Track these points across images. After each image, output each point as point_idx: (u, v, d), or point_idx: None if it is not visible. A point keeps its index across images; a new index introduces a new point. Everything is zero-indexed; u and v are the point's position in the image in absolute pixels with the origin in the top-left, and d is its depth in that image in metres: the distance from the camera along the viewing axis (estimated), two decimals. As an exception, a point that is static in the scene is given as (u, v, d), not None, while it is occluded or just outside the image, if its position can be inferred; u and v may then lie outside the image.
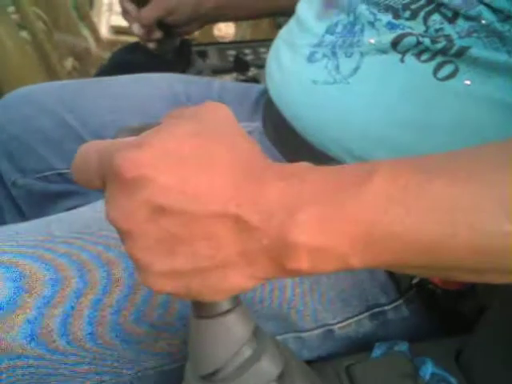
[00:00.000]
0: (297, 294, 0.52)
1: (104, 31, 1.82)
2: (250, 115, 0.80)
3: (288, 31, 0.68)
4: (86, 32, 1.72)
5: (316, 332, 0.54)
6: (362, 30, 0.55)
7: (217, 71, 1.24)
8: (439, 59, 0.49)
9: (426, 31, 0.50)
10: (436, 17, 0.49)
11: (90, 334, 0.46)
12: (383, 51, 0.53)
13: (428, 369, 0.47)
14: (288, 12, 0.72)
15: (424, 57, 0.50)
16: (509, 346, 0.46)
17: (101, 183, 0.31)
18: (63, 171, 0.80)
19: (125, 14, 0.96)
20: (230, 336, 0.35)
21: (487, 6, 0.47)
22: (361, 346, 0.54)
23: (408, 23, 0.51)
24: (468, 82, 0.48)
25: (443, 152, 0.42)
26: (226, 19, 1.24)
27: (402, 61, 0.51)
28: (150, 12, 0.92)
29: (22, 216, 0.84)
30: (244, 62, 1.27)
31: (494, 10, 0.46)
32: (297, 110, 0.61)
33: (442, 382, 0.47)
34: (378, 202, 0.27)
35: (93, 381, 0.48)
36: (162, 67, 0.92)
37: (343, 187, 0.28)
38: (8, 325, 0.44)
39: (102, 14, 1.84)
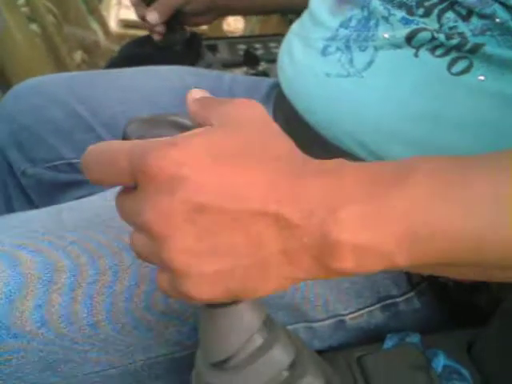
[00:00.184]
0: (308, 285, 0.52)
1: (113, 25, 1.82)
2: None
3: (301, 25, 0.68)
4: (95, 25, 1.72)
5: (327, 322, 0.54)
6: (376, 25, 0.55)
7: (227, 65, 1.23)
8: (453, 55, 0.49)
9: (439, 28, 0.49)
10: (450, 14, 0.49)
11: (102, 319, 0.46)
12: (397, 46, 0.52)
13: (440, 361, 0.47)
14: (300, 9, 0.72)
15: (438, 52, 0.50)
16: (522, 339, 0.45)
17: (131, 180, 0.30)
18: (73, 161, 0.80)
19: (137, 4, 0.96)
20: (242, 324, 0.35)
21: (502, 4, 0.46)
22: (372, 337, 0.54)
23: (422, 20, 0.51)
24: (482, 78, 0.48)
25: (457, 150, 0.42)
26: (239, 12, 1.25)
27: (416, 55, 0.51)
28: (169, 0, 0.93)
29: (31, 205, 0.85)
30: (254, 56, 1.26)
31: (509, 9, 0.46)
32: (310, 103, 0.61)
33: (454, 374, 0.46)
34: (420, 198, 0.27)
35: (103, 367, 0.48)
36: (171, 60, 0.92)
37: (384, 183, 0.28)
38: (19, 310, 0.44)
39: (111, 8, 1.84)
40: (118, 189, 0.34)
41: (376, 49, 0.54)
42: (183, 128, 0.33)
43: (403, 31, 0.52)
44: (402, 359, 0.48)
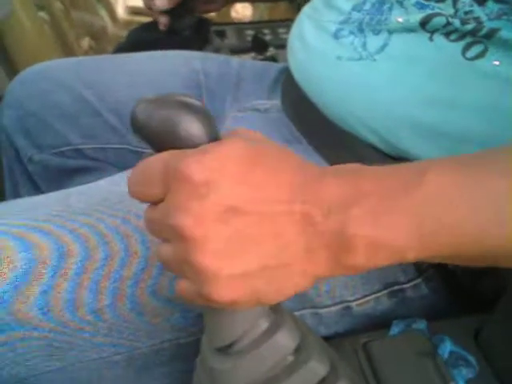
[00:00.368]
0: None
1: (121, 11, 1.81)
2: (268, 93, 0.80)
3: (312, 8, 0.67)
4: (103, 12, 1.71)
5: (334, 308, 0.53)
6: (390, 9, 0.54)
7: (235, 51, 1.22)
8: (468, 39, 0.48)
9: (455, 13, 0.49)
10: None
11: (108, 305, 0.46)
12: (411, 30, 0.52)
13: (447, 347, 0.46)
14: None
15: (453, 37, 0.49)
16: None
17: (161, 192, 0.32)
18: (80, 147, 0.80)
19: None
20: (247, 309, 0.35)
21: None
22: (378, 323, 0.54)
23: (437, 5, 0.50)
24: (497, 63, 0.47)
25: (470, 135, 0.46)
26: None
27: (430, 39, 0.50)
28: None
29: (38, 192, 0.84)
30: (263, 42, 1.25)
31: None
32: (321, 86, 0.60)
33: (461, 361, 0.46)
34: (430, 196, 0.29)
35: (108, 353, 0.48)
36: (179, 45, 0.91)
37: (396, 183, 0.30)
38: (25, 295, 0.44)
39: (118, -5, 1.83)
40: (127, 173, 0.35)
41: (390, 32, 0.53)
42: (191, 108, 0.33)
43: (417, 16, 0.51)
44: (409, 345, 0.48)
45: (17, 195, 0.86)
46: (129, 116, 0.34)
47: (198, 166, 0.30)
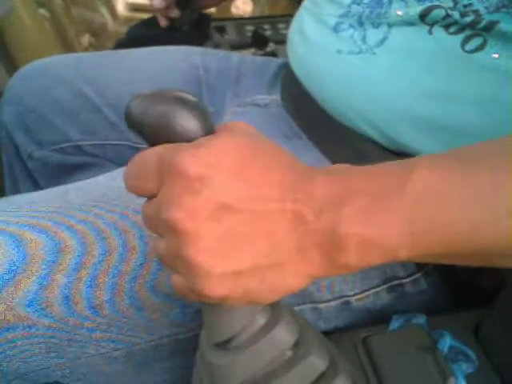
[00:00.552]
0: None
1: (121, 8, 1.81)
2: (268, 88, 0.80)
3: (312, 2, 0.67)
4: (103, 9, 1.71)
5: (333, 303, 0.53)
6: (390, 2, 0.54)
7: (235, 46, 1.22)
8: (467, 32, 0.48)
9: (454, 6, 0.48)
10: None
11: (106, 300, 0.46)
12: (411, 23, 0.51)
13: (446, 342, 0.46)
14: None
15: (452, 29, 0.49)
16: (529, 320, 0.45)
17: (156, 186, 0.32)
18: (79, 143, 0.80)
19: None
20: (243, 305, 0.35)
21: None
22: (378, 318, 0.54)
23: None
24: (496, 56, 0.47)
25: (470, 128, 0.45)
26: None
27: (430, 32, 0.50)
28: None
29: (37, 188, 0.84)
30: (263, 37, 1.25)
31: None
32: (320, 80, 0.60)
33: (461, 355, 0.46)
34: (420, 193, 0.29)
35: (108, 349, 0.48)
36: (178, 41, 0.91)
37: (386, 181, 0.30)
38: (23, 291, 0.44)
39: (119, -8, 1.83)
40: (125, 168, 0.35)
41: (389, 26, 0.53)
42: (187, 104, 0.33)
43: (417, 8, 0.51)
44: (408, 340, 0.48)
45: (16, 192, 0.86)
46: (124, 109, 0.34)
47: (193, 160, 0.30)
